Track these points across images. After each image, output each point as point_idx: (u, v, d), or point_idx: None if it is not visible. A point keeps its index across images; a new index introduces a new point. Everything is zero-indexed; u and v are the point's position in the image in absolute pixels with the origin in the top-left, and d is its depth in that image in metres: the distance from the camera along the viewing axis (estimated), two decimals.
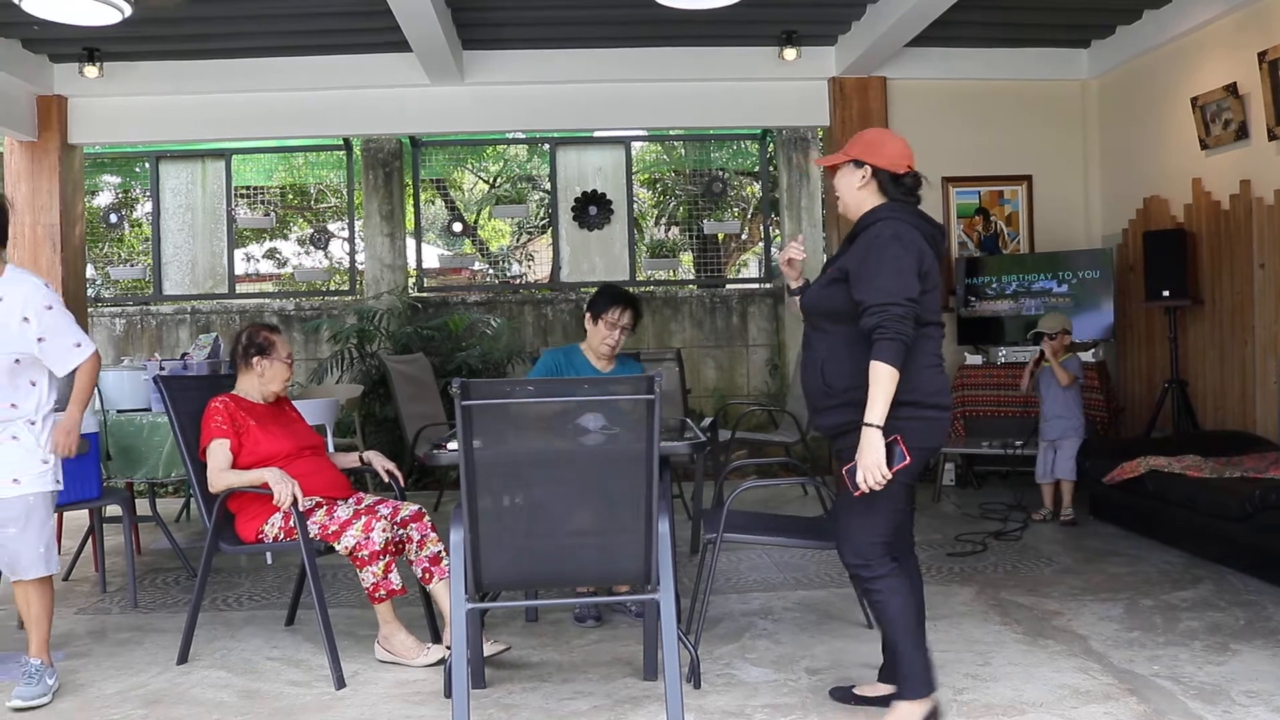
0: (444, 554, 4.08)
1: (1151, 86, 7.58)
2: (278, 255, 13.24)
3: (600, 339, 4.56)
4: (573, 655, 4.14)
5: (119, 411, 5.62)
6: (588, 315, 4.60)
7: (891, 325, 2.99)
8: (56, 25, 6.06)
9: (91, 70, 7.75)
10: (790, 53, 7.80)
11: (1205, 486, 5.36)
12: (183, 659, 4.18)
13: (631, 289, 10.19)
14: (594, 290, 4.71)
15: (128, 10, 5.61)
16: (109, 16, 5.58)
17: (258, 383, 4.34)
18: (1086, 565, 5.35)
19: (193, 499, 6.66)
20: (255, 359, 4.34)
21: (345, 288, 10.96)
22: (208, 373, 5.58)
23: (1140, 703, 3.44)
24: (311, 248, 12.61)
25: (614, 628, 4.47)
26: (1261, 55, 6.29)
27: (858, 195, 3.30)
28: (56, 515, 4.40)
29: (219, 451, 4.07)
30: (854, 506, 3.14)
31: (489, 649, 3.90)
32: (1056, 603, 4.65)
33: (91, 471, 5.04)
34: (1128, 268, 7.78)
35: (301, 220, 13.03)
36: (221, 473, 4.04)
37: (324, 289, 11.27)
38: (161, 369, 5.67)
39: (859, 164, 3.29)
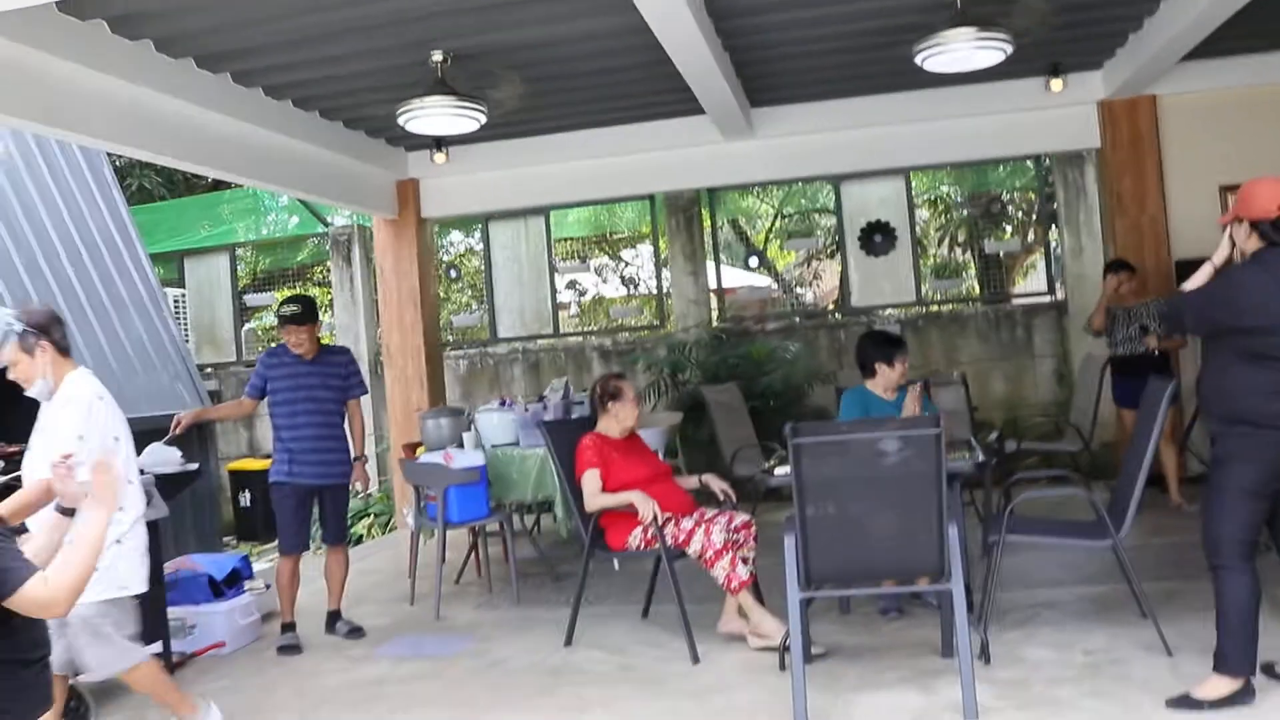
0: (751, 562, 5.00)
1: None
2: (595, 296, 14.66)
3: (898, 377, 5.38)
4: (881, 639, 4.98)
5: (493, 446, 6.89)
6: (880, 364, 5.40)
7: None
8: None
9: (440, 157, 9.20)
10: (1057, 83, 8.29)
11: None
12: (568, 642, 5.32)
13: (917, 310, 10.92)
14: (870, 330, 5.55)
15: (483, 118, 6.89)
16: (470, 126, 6.88)
17: (614, 422, 5.43)
18: None
19: (540, 518, 7.95)
20: (610, 403, 5.44)
21: (655, 323, 12.16)
22: (563, 414, 6.77)
23: None
24: (623, 288, 13.97)
25: (914, 618, 5.25)
26: None
27: (1247, 246, 3.88)
28: (462, 530, 5.76)
29: (592, 479, 5.18)
30: (1206, 506, 3.89)
31: (814, 649, 4.77)
32: None
33: (482, 496, 6.31)
34: None
35: (612, 263, 14.40)
36: (596, 496, 5.15)
37: (636, 325, 12.51)
38: (525, 410, 6.91)
39: (1241, 220, 3.88)
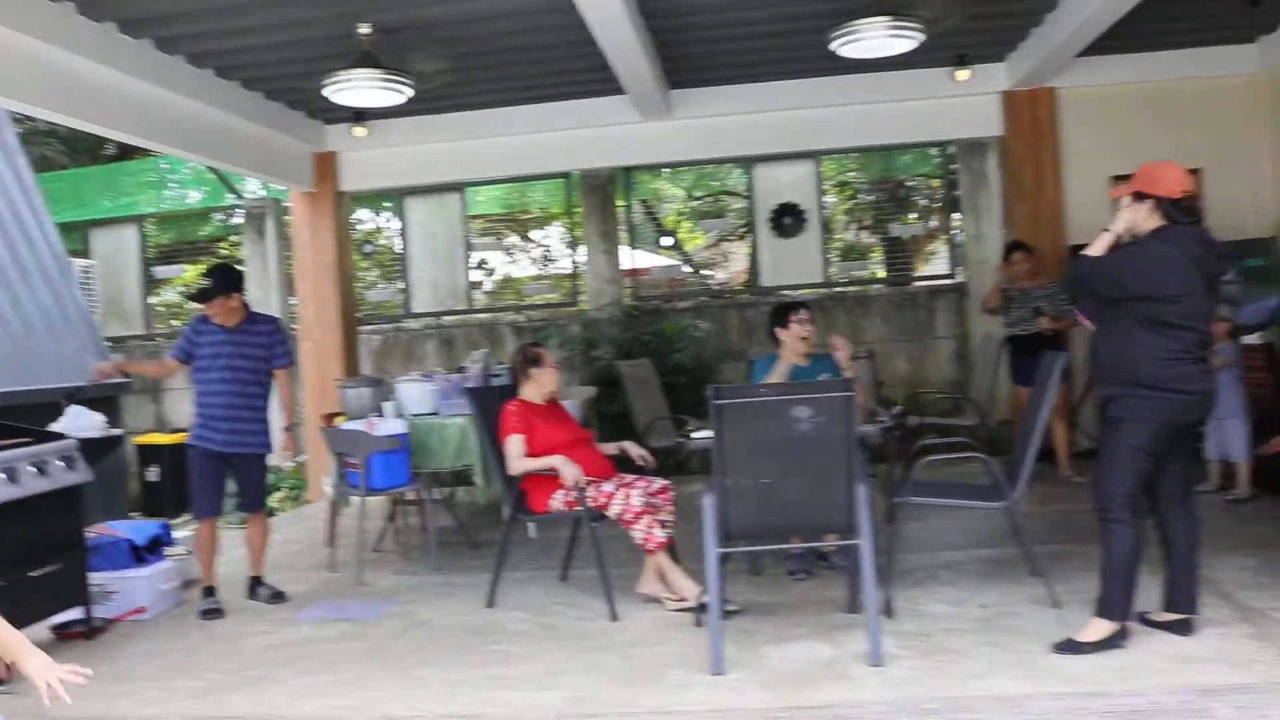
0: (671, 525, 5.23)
1: None
2: (504, 276, 14.73)
3: (796, 338, 5.61)
4: (791, 598, 5.23)
5: (414, 415, 6.99)
6: (777, 329, 5.65)
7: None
8: None
9: (360, 130, 9.25)
10: (963, 74, 8.64)
11: None
12: (490, 603, 5.47)
13: (824, 291, 11.24)
14: (777, 301, 5.80)
15: (409, 93, 6.96)
16: (396, 99, 6.95)
17: (535, 387, 5.58)
18: (1236, 528, 6.09)
19: (455, 491, 8.07)
20: (531, 369, 5.59)
21: (568, 300, 12.30)
22: (483, 384, 6.89)
23: (1252, 627, 4.30)
24: (532, 267, 14.08)
25: (821, 580, 5.51)
26: None
27: (1148, 223, 4.16)
28: (380, 501, 5.84)
29: (516, 444, 5.33)
30: (1101, 464, 4.21)
31: (728, 607, 4.99)
32: (1202, 556, 5.40)
33: (403, 463, 6.42)
34: None
35: (522, 243, 14.50)
36: (519, 460, 5.30)
37: (549, 302, 12.64)
38: (447, 380, 7.02)
39: (1142, 196, 4.16)
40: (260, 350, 5.87)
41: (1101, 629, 4.13)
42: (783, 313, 5.69)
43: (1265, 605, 4.58)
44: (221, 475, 5.86)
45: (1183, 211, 4.12)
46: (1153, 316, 4.06)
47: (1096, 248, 4.21)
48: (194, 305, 6.04)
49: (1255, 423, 6.96)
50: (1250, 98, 8.93)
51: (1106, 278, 4.13)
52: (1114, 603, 4.12)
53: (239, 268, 6.16)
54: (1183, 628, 4.24)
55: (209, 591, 5.75)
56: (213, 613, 5.65)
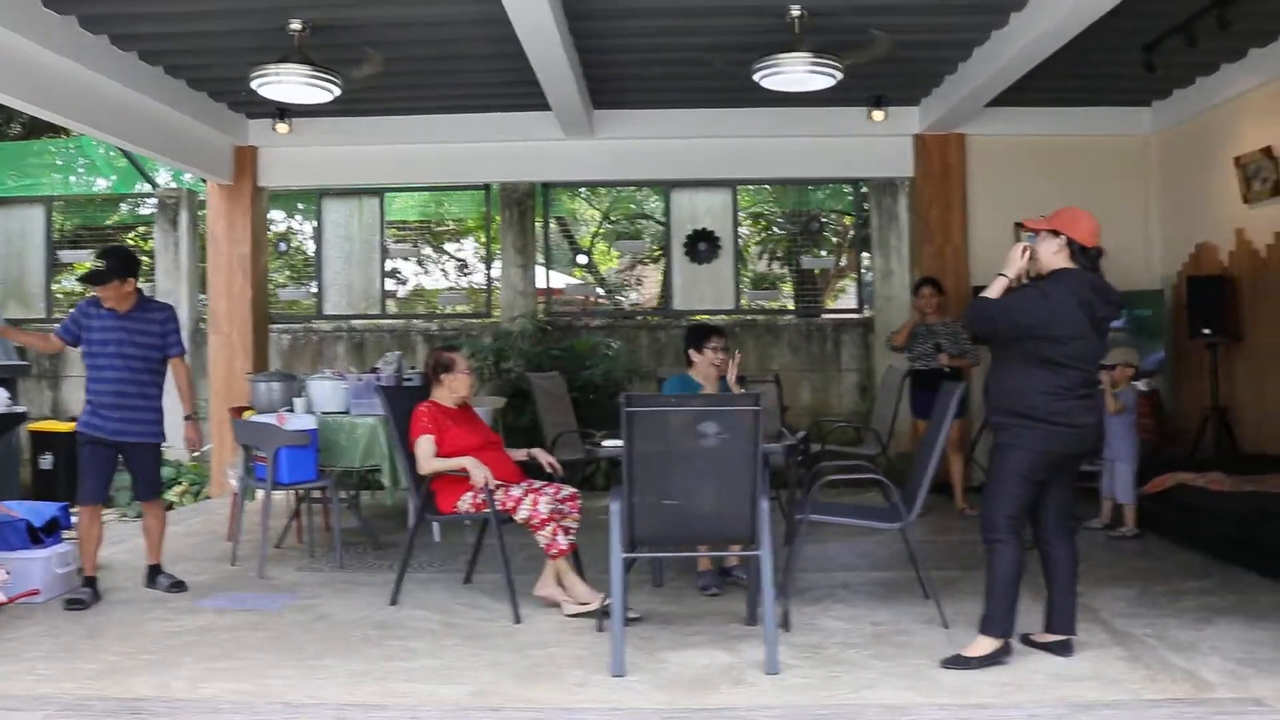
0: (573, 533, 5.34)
1: (1203, 144, 8.55)
2: (416, 287, 14.71)
3: (708, 363, 5.76)
4: (692, 609, 5.36)
5: (324, 413, 6.99)
6: (691, 351, 5.80)
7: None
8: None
9: (283, 127, 9.20)
10: (879, 114, 8.94)
11: (1223, 498, 6.37)
12: (393, 601, 5.50)
13: (736, 317, 11.46)
14: (693, 323, 5.95)
15: (337, 91, 6.99)
16: (323, 97, 6.97)
17: (447, 392, 5.64)
18: (1117, 561, 6.39)
19: (359, 492, 8.05)
20: (444, 374, 5.65)
21: (482, 311, 12.33)
22: (394, 384, 6.92)
23: (1124, 650, 4.55)
24: (453, 274, 14.11)
25: (725, 594, 5.63)
26: None
27: (1053, 258, 4.39)
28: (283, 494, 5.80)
29: (426, 444, 5.38)
30: (987, 489, 4.47)
31: (630, 614, 5.09)
32: (1084, 586, 5.58)
33: (311, 459, 6.41)
34: (1181, 307, 8.72)
35: (435, 255, 14.51)
36: (429, 460, 5.35)
37: (463, 312, 12.67)
38: (359, 380, 7.03)
39: (1056, 234, 4.38)
40: (153, 338, 5.74)
41: (986, 645, 4.33)
42: (701, 335, 5.82)
43: (1138, 631, 4.83)
44: (109, 463, 5.74)
45: (1088, 259, 4.38)
46: (1042, 355, 4.29)
47: (993, 290, 4.44)
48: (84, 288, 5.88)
49: (1139, 465, 7.28)
50: (1144, 157, 9.41)
51: (1003, 318, 4.36)
52: (997, 620, 4.33)
53: (134, 253, 6.00)
54: (1062, 648, 4.46)
55: (87, 581, 5.63)
56: (76, 603, 5.46)
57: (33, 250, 12.55)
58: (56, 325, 5.86)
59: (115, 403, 5.63)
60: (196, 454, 6.38)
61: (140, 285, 5.79)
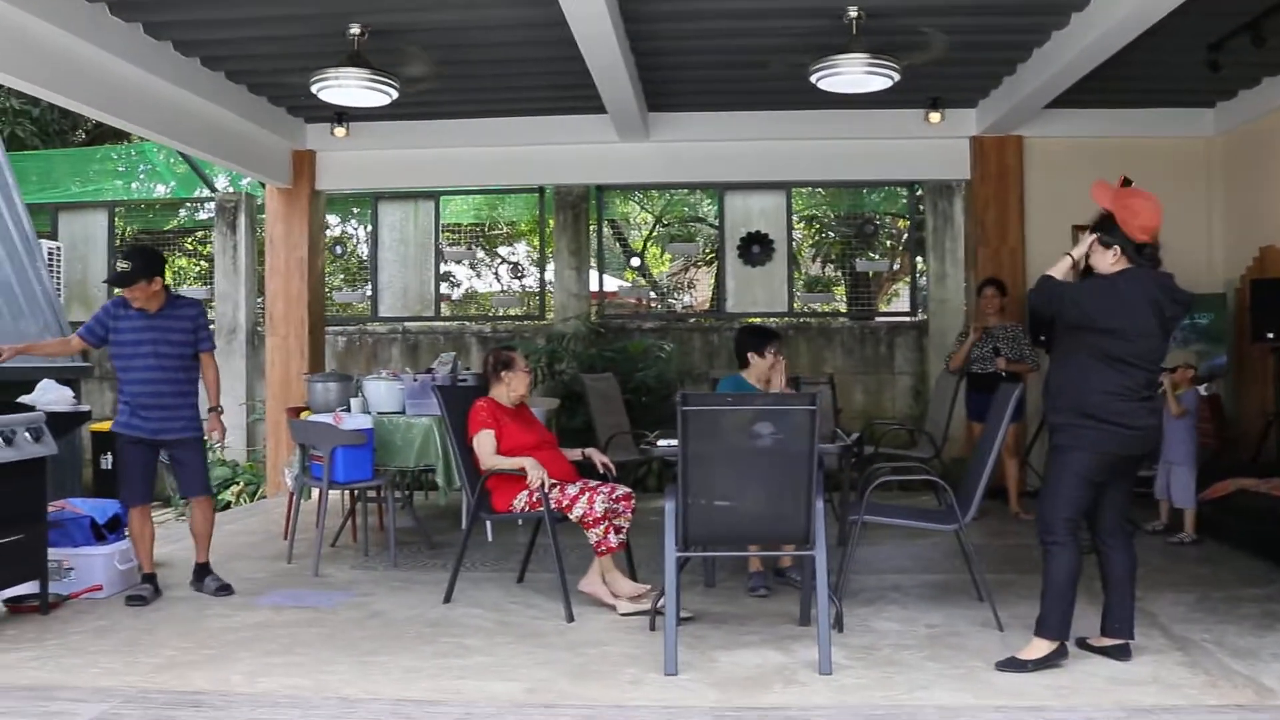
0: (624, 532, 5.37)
1: (1268, 146, 8.39)
2: (469, 290, 14.83)
3: (768, 367, 5.76)
4: (745, 609, 5.35)
5: (379, 413, 7.06)
6: (751, 354, 5.79)
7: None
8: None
9: (340, 131, 9.32)
10: (935, 116, 8.88)
11: None
12: (447, 599, 5.54)
13: (789, 320, 11.43)
14: (748, 325, 5.94)
15: (395, 94, 7.07)
16: (382, 100, 7.05)
17: (506, 390, 5.68)
18: (1175, 566, 6.29)
19: (413, 493, 8.13)
20: (503, 372, 5.69)
21: (535, 313, 12.41)
22: (450, 384, 6.98)
23: (1183, 655, 4.48)
24: (506, 277, 14.22)
25: (773, 596, 5.62)
26: None
27: (1109, 269, 4.33)
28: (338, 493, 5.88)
29: (487, 439, 5.43)
30: (1044, 489, 4.40)
31: (683, 614, 5.10)
32: (1141, 590, 5.55)
33: (367, 459, 6.48)
34: (1244, 311, 8.56)
35: (496, 254, 14.62)
36: (490, 455, 5.40)
37: (516, 314, 12.75)
38: (415, 380, 7.10)
39: (1109, 246, 4.30)
40: (185, 335, 5.73)
41: (1041, 648, 4.28)
42: (763, 338, 5.82)
43: (1198, 637, 4.76)
44: (151, 463, 5.77)
45: (1144, 258, 4.31)
46: (1107, 352, 4.24)
47: (1058, 270, 4.39)
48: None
49: (1198, 469, 7.16)
50: (1206, 159, 9.25)
51: (1070, 301, 4.30)
52: (1053, 623, 4.28)
53: (159, 251, 5.95)
54: (1119, 652, 4.40)
55: (146, 578, 5.70)
56: (137, 599, 5.53)
57: (96, 254, 12.81)
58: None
59: (153, 402, 5.65)
60: (220, 445, 6.38)
61: (198, 285, 5.85)
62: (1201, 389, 8.25)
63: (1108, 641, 4.45)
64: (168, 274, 6.68)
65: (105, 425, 11.45)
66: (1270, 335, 7.80)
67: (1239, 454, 8.45)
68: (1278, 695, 3.99)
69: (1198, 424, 7.35)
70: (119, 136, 14.10)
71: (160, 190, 13.85)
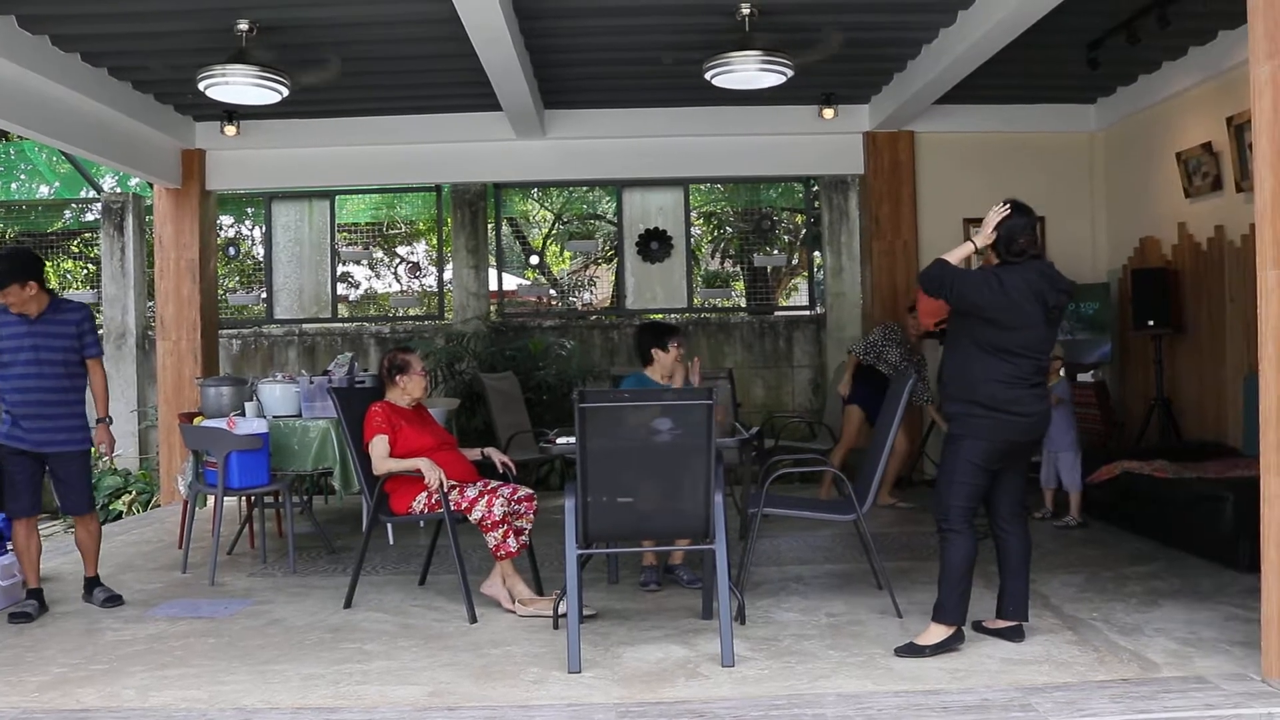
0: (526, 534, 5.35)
1: (1146, 141, 8.69)
2: (368, 290, 14.64)
3: (672, 360, 5.79)
4: (647, 605, 5.37)
5: (275, 417, 6.93)
6: (655, 350, 5.81)
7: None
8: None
9: (230, 129, 9.10)
10: (829, 112, 9.01)
11: (1167, 485, 6.48)
12: (348, 604, 5.46)
13: (689, 316, 11.49)
14: (645, 321, 5.96)
15: (285, 92, 6.93)
16: (272, 98, 6.91)
17: (402, 394, 5.62)
18: (1064, 549, 6.49)
19: (312, 497, 8.00)
20: (398, 376, 5.62)
21: (434, 313, 12.29)
22: (347, 386, 6.88)
23: (1074, 634, 4.63)
24: (405, 277, 14.06)
25: (673, 591, 5.64)
26: (1229, 120, 7.40)
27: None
28: (234, 499, 5.75)
29: (380, 444, 5.35)
30: (940, 478, 4.51)
31: (585, 611, 5.09)
32: (1033, 573, 5.67)
33: (263, 463, 6.36)
34: (1126, 300, 8.86)
35: (387, 259, 14.44)
36: (384, 460, 5.32)
37: (415, 315, 12.61)
38: (311, 383, 6.97)
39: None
40: (68, 340, 5.49)
41: (939, 633, 4.38)
42: (664, 334, 5.84)
43: (1087, 616, 4.92)
44: (36, 474, 5.53)
45: (1012, 255, 4.44)
46: (993, 342, 4.35)
47: (954, 255, 4.49)
48: None
49: (1085, 454, 7.39)
50: (1089, 154, 9.55)
51: (956, 288, 4.37)
52: (950, 608, 4.38)
53: (35, 253, 5.68)
54: (1013, 634, 4.53)
55: (32, 594, 5.50)
56: (21, 615, 5.33)
57: None
58: None
59: (34, 412, 5.41)
60: (111, 456, 6.17)
61: (79, 289, 5.63)
62: (1088, 376, 8.55)
63: (1003, 624, 4.57)
64: (53, 278, 6.44)
65: None
66: (1151, 323, 8.08)
67: (1124, 438, 8.74)
68: (1160, 668, 4.15)
69: (1082, 411, 7.60)
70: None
71: (43, 191, 13.37)
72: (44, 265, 5.65)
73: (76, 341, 5.54)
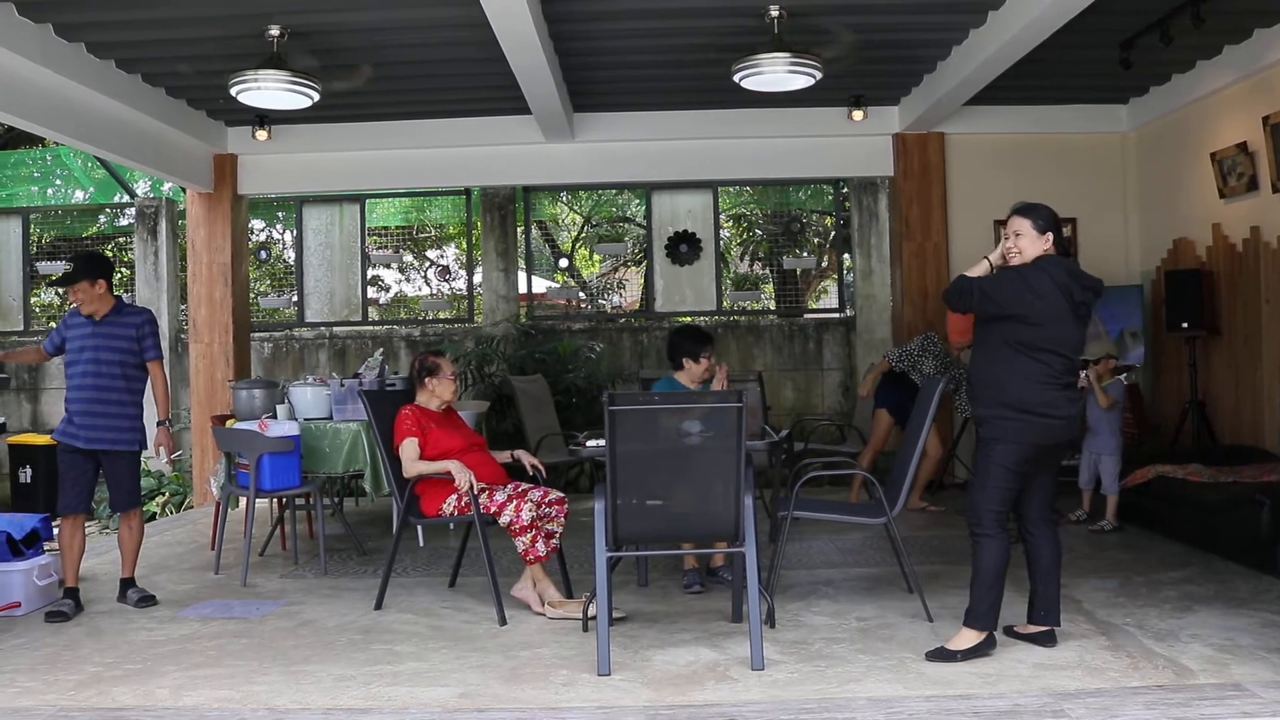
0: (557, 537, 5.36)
1: (1179, 141, 8.60)
2: (398, 294, 14.71)
3: (702, 371, 5.76)
4: (677, 607, 5.36)
5: (306, 419, 6.97)
6: (686, 359, 5.77)
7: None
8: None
9: (262, 134, 9.17)
10: (858, 114, 8.98)
11: (1201, 489, 6.42)
12: (379, 605, 5.48)
13: (718, 318, 11.48)
14: (680, 325, 5.94)
15: (316, 97, 6.98)
16: (303, 102, 6.96)
17: (432, 397, 5.64)
18: (1098, 553, 6.43)
19: (343, 499, 8.04)
20: (428, 379, 5.64)
21: (464, 316, 12.34)
22: (377, 389, 6.91)
23: (1107, 640, 4.58)
24: (435, 280, 14.12)
25: (708, 594, 5.64)
26: (1265, 119, 7.32)
27: (1032, 250, 4.38)
28: (266, 501, 5.80)
29: (410, 447, 5.38)
30: (973, 482, 4.48)
31: (615, 614, 5.09)
32: (1066, 577, 5.63)
33: (294, 465, 6.40)
34: (1160, 301, 8.77)
35: (417, 262, 14.51)
36: (414, 463, 5.35)
37: (445, 317, 12.67)
38: (341, 385, 7.01)
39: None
40: (128, 342, 5.63)
41: (970, 638, 4.35)
42: (697, 343, 5.77)
43: (1120, 621, 4.87)
44: (88, 473, 5.65)
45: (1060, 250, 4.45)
46: (1021, 340, 4.32)
47: (975, 270, 4.49)
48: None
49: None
50: (1121, 154, 9.47)
51: (980, 294, 4.37)
52: (981, 613, 4.36)
53: (106, 257, 5.93)
54: (1045, 639, 4.50)
55: (69, 592, 5.58)
56: (57, 615, 5.40)
57: (10, 263, 12.48)
58: (33, 339, 5.82)
59: (89, 410, 5.55)
60: (170, 459, 6.26)
61: (119, 293, 5.74)
62: (1123, 378, 8.45)
63: (1034, 629, 4.53)
64: None
65: (25, 438, 11.20)
66: (1185, 325, 8.00)
67: (1158, 441, 8.65)
68: (1196, 675, 4.10)
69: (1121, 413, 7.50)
70: (33, 141, 13.74)
71: (78, 196, 13.52)
72: (113, 269, 5.82)
73: (136, 344, 5.68)
